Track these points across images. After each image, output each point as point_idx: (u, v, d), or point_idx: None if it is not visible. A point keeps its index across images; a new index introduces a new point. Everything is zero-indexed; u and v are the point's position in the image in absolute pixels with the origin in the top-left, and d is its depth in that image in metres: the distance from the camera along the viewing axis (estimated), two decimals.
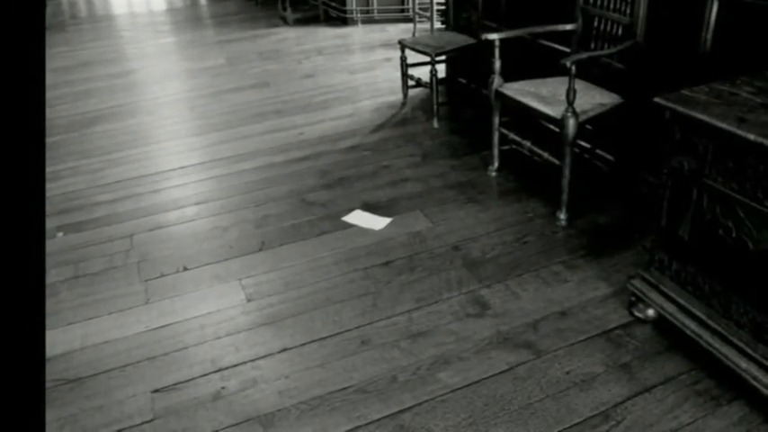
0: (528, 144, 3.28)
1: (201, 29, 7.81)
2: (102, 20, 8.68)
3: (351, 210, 3.20)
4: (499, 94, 3.22)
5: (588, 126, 3.09)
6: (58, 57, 6.62)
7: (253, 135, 4.23)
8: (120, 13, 9.20)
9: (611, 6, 3.08)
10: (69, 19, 8.85)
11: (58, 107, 5.04)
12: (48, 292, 2.67)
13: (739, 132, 1.76)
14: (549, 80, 3.24)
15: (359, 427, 1.98)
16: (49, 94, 5.32)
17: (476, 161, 3.68)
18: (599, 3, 3.15)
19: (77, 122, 4.69)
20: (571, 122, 2.78)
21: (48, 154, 4.08)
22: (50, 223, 3.22)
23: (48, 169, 3.84)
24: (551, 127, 3.32)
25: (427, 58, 4.18)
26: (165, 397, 2.12)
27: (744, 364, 1.92)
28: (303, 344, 2.32)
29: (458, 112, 4.46)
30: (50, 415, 2.05)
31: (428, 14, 5.88)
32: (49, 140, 4.32)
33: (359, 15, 7.23)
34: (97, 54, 6.68)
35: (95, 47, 7.02)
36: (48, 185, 3.64)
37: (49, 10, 9.20)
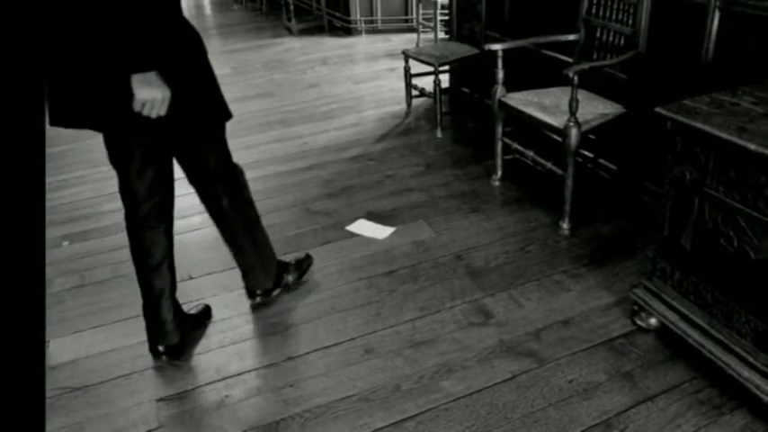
0: (531, 154, 3.30)
1: (207, 38, 7.82)
2: None
3: (355, 219, 3.22)
4: (502, 104, 3.24)
5: (591, 136, 3.11)
6: None
7: (257, 144, 4.26)
8: None
9: (614, 17, 3.10)
10: None
11: None
12: (54, 300, 2.69)
13: (740, 142, 1.77)
14: (552, 90, 3.26)
15: None
16: None
17: (479, 171, 3.70)
18: (601, 13, 3.17)
19: (84, 132, 4.69)
20: (574, 132, 2.80)
21: (55, 163, 4.11)
22: (57, 232, 3.25)
23: (55, 178, 3.87)
24: (554, 137, 3.34)
25: (431, 68, 4.20)
26: (169, 405, 2.14)
27: (746, 372, 1.93)
28: (307, 352, 2.34)
29: (461, 122, 4.49)
30: (56, 423, 2.07)
31: (432, 25, 5.92)
32: (56, 150, 4.36)
33: (363, 25, 7.28)
34: None
35: None
36: (54, 195, 3.67)
37: None
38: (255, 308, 2.59)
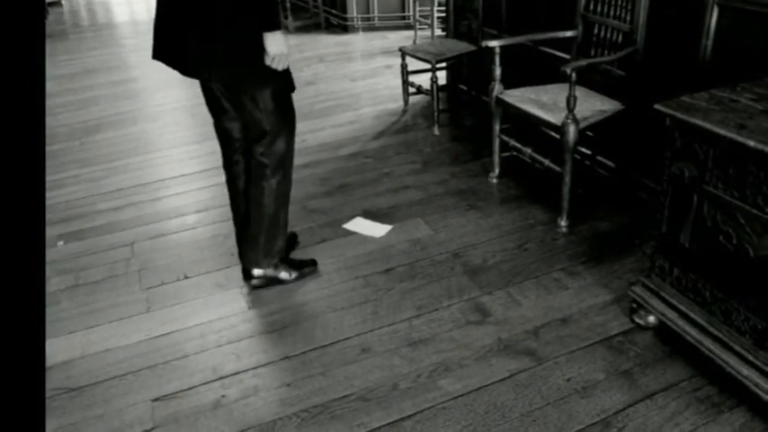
0: (529, 151, 3.28)
1: None
2: (104, 28, 8.71)
3: (352, 217, 3.20)
4: (500, 101, 3.22)
5: (589, 133, 3.10)
6: (60, 65, 6.65)
7: None
8: (121, 21, 9.24)
9: (612, 13, 3.08)
10: (71, 27, 8.88)
11: (60, 115, 5.05)
12: (49, 300, 2.67)
13: (739, 139, 1.76)
14: (550, 87, 3.24)
15: None
16: (50, 102, 5.34)
17: (476, 168, 3.69)
18: (599, 10, 3.15)
19: (79, 130, 4.70)
20: (572, 129, 2.79)
21: (49, 162, 4.09)
22: (52, 232, 3.23)
23: (49, 177, 3.85)
24: (552, 134, 3.33)
25: (428, 66, 4.19)
26: (165, 405, 2.12)
27: (745, 370, 1.91)
28: (304, 351, 2.32)
29: (458, 120, 4.47)
30: (51, 424, 2.05)
31: (429, 22, 5.89)
32: (50, 149, 4.33)
33: (359, 23, 7.26)
34: (99, 62, 6.71)
35: (97, 55, 7.05)
36: (49, 194, 3.65)
37: (51, 18, 9.24)
38: (252, 306, 2.57)
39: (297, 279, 2.71)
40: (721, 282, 1.98)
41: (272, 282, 2.68)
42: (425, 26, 6.16)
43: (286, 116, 2.45)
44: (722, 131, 1.81)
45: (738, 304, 1.92)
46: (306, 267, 2.76)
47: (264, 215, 2.54)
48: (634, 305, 2.35)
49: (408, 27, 7.01)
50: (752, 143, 1.72)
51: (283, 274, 2.69)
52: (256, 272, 2.64)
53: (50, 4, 9.79)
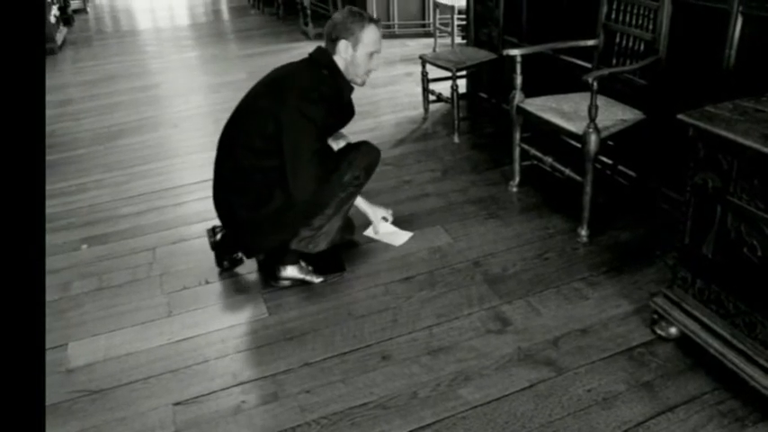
0: (549, 160, 3.27)
1: (224, 43, 7.90)
2: (127, 35, 8.82)
3: (371, 224, 3.21)
4: (520, 110, 3.22)
5: (610, 142, 3.08)
6: (84, 71, 6.74)
7: None
8: (144, 28, 9.35)
9: (634, 22, 3.07)
10: (96, 34, 9.00)
11: (84, 120, 5.12)
12: (72, 303, 2.71)
13: (764, 150, 1.74)
14: (571, 96, 3.23)
15: None
16: (74, 108, 5.42)
17: (497, 177, 3.68)
18: (621, 19, 3.14)
19: (103, 136, 4.76)
20: (593, 138, 2.78)
21: (73, 167, 4.15)
22: (75, 235, 3.27)
23: (73, 182, 3.91)
24: (573, 143, 3.32)
25: (448, 73, 4.19)
26: (186, 410, 2.14)
27: None
28: (324, 359, 2.33)
29: (479, 128, 4.47)
30: (73, 427, 2.08)
31: (449, 30, 5.90)
32: (74, 153, 4.40)
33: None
34: (122, 68, 6.79)
35: (120, 61, 7.14)
36: (73, 198, 3.70)
37: (76, 25, 9.37)
38: (272, 312, 2.59)
39: (322, 282, 2.75)
40: (745, 294, 1.96)
41: (297, 283, 2.72)
42: (445, 34, 6.19)
43: (337, 167, 2.71)
44: (747, 142, 1.79)
45: (763, 317, 1.90)
46: (332, 273, 2.80)
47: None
48: (655, 316, 2.33)
49: (428, 35, 7.03)
50: None
51: (309, 277, 2.73)
52: (285, 271, 2.70)
53: (76, 11, 9.93)
